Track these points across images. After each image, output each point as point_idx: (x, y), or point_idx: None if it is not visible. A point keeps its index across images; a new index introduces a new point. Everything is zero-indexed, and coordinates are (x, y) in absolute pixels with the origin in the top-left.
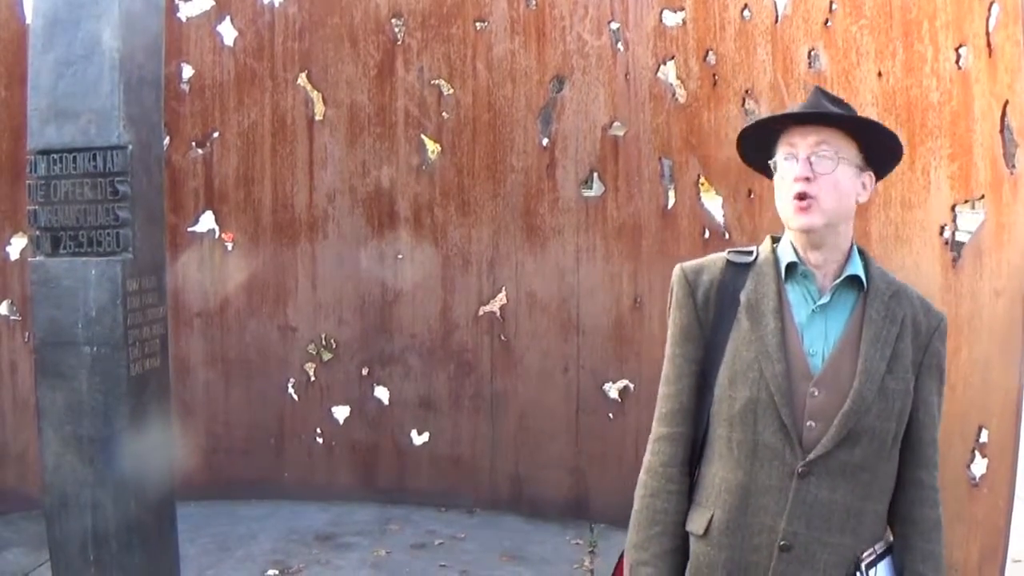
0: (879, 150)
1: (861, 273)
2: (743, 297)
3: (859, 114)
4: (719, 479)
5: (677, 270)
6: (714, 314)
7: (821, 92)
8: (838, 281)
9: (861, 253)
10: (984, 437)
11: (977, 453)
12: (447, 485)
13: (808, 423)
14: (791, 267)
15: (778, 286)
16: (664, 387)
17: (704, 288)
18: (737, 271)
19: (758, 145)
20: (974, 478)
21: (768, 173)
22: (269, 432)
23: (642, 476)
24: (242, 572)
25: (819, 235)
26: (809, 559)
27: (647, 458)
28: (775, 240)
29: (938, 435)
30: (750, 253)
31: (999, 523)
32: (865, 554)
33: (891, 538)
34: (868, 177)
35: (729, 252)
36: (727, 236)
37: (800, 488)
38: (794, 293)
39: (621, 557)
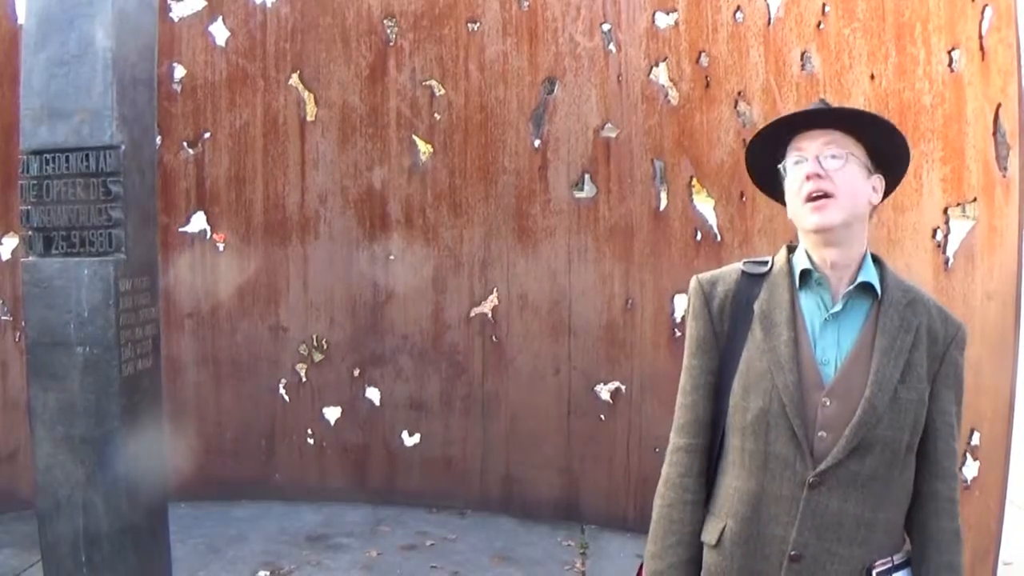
0: (886, 151)
1: (874, 280)
2: (757, 307)
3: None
4: (732, 489)
5: (693, 281)
6: (729, 325)
7: (824, 103)
8: (850, 288)
9: (877, 261)
10: (976, 440)
11: (969, 456)
12: (438, 486)
13: (819, 433)
14: (805, 275)
15: (792, 295)
16: (680, 398)
17: (719, 299)
18: (751, 281)
19: (765, 163)
20: (966, 481)
21: (774, 194)
22: (260, 433)
23: (660, 487)
24: (233, 573)
25: (835, 234)
26: (819, 570)
27: (665, 469)
28: (791, 250)
29: (956, 446)
30: (765, 263)
31: (991, 526)
32: (879, 562)
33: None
34: (878, 180)
35: (744, 262)
36: (719, 238)
37: (811, 498)
38: (808, 302)
39: (641, 567)
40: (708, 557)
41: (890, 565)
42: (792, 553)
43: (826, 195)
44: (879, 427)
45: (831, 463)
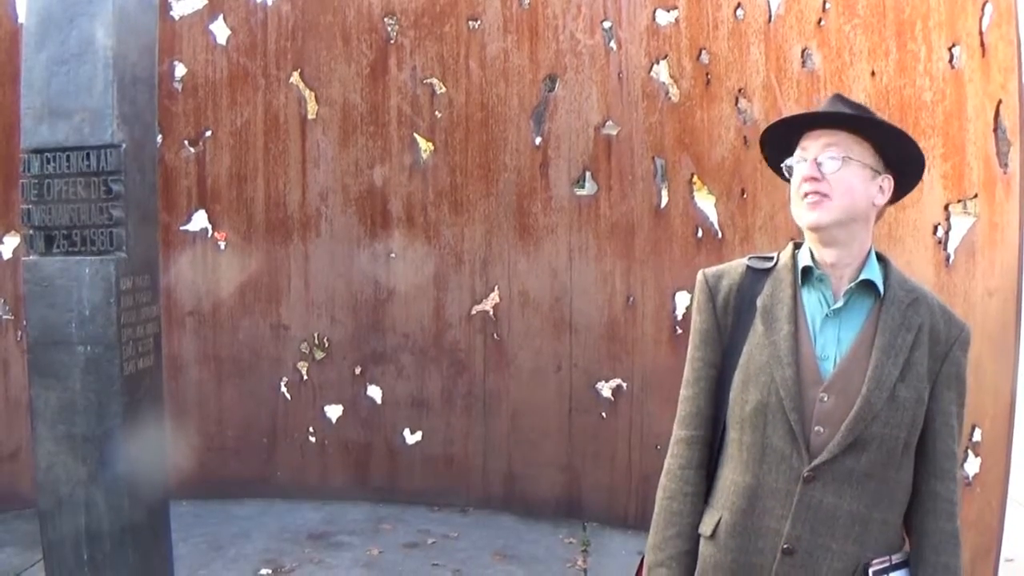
0: (896, 152)
1: (876, 278)
2: (759, 302)
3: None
4: (729, 481)
5: (700, 275)
6: (732, 319)
7: (839, 98)
8: (852, 285)
9: (882, 259)
10: (977, 436)
11: (970, 452)
12: (440, 484)
13: (816, 428)
14: (807, 271)
15: (794, 291)
16: (683, 390)
17: (724, 293)
18: (756, 276)
19: (780, 150)
20: (967, 477)
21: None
22: (262, 431)
23: (662, 478)
24: (234, 571)
25: (830, 233)
26: (811, 564)
27: (667, 460)
28: (797, 246)
29: (957, 447)
30: (770, 259)
31: (992, 522)
32: (876, 561)
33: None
34: (886, 180)
35: (750, 258)
36: (720, 235)
37: (805, 493)
38: (810, 298)
39: (642, 560)
40: (703, 548)
41: (887, 564)
42: (785, 547)
43: (823, 196)
44: (875, 424)
45: (826, 458)
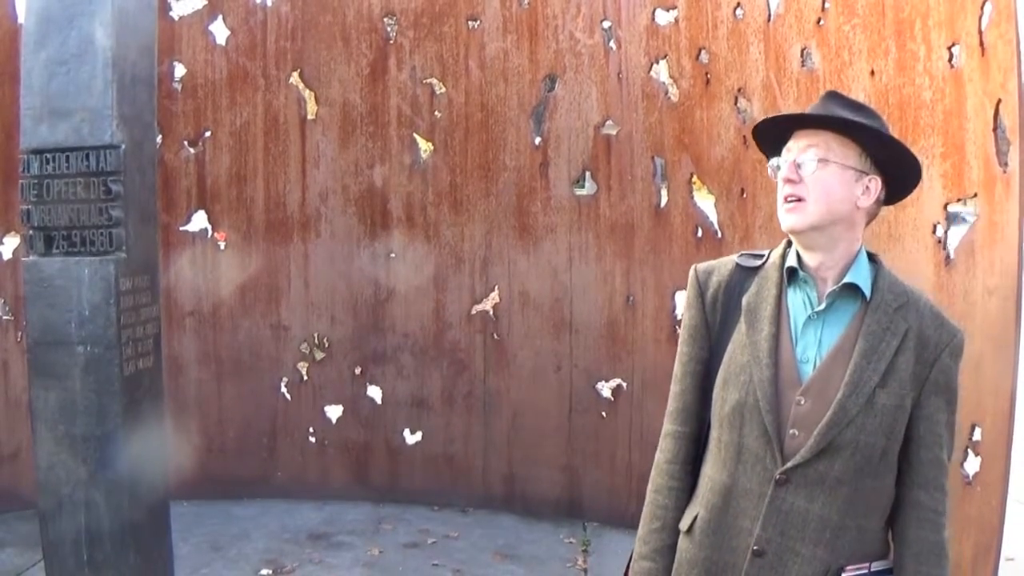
0: (884, 154)
1: (862, 281)
2: (744, 301)
3: (877, 119)
4: (708, 478)
5: (691, 271)
6: (720, 316)
7: (833, 96)
8: (835, 288)
9: (873, 261)
10: (977, 435)
11: (970, 451)
12: (440, 484)
13: (791, 431)
14: (791, 272)
15: (779, 291)
16: (672, 385)
17: (713, 289)
18: (744, 274)
19: (777, 149)
20: (967, 476)
21: None
22: (262, 431)
23: (652, 472)
24: (235, 571)
25: (809, 236)
26: (780, 567)
27: (656, 455)
28: (790, 244)
29: (945, 455)
30: (760, 256)
31: (992, 521)
32: (849, 568)
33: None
34: (872, 182)
35: (740, 255)
36: (719, 235)
37: (777, 495)
38: (795, 299)
39: (631, 558)
40: (681, 543)
41: (865, 572)
42: (755, 548)
43: (799, 199)
44: (850, 430)
45: (798, 462)
